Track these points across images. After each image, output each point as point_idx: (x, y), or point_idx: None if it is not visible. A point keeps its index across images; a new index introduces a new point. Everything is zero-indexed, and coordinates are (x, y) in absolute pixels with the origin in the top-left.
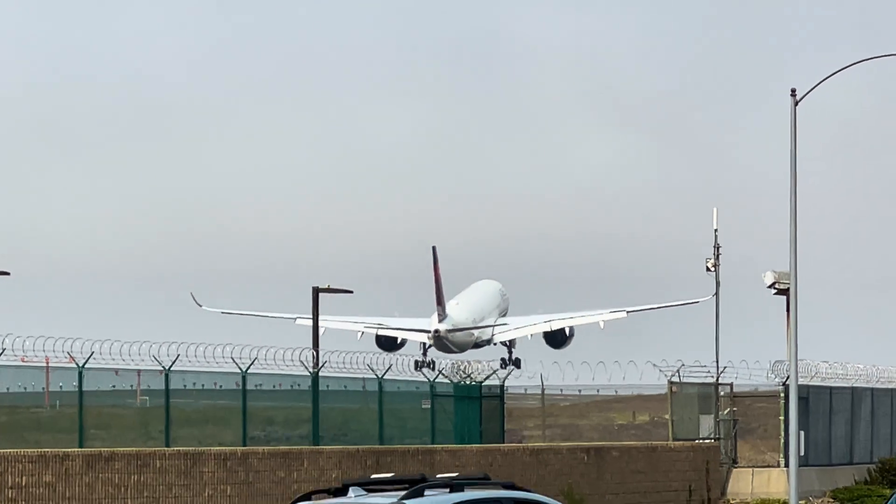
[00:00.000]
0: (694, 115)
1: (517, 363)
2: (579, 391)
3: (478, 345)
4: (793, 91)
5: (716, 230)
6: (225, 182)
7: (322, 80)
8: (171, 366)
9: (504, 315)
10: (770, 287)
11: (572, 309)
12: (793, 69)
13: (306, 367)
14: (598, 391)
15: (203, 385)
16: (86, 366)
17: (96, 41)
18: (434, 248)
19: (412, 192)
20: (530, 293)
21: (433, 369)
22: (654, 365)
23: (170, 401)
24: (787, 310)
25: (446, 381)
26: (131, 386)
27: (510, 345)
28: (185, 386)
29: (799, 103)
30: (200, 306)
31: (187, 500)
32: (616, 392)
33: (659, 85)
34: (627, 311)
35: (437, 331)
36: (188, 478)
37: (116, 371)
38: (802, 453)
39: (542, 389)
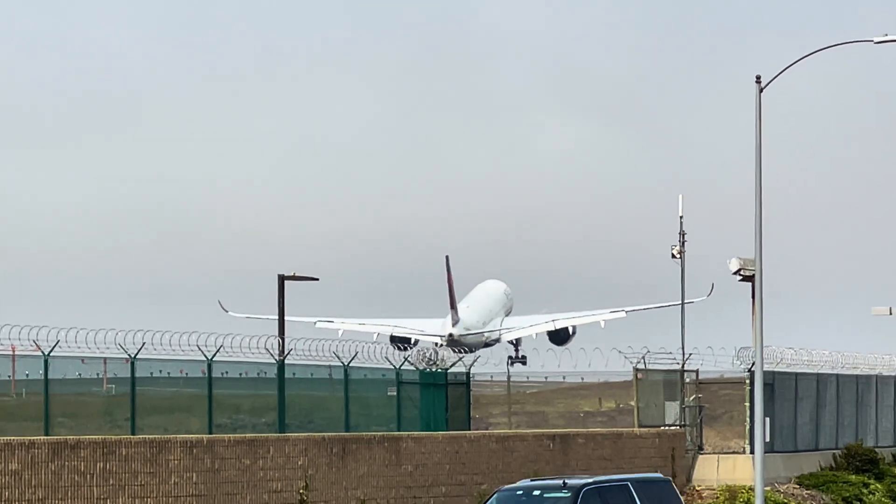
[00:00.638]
0: (659, 102)
1: (523, 360)
2: (545, 378)
3: (487, 344)
4: (758, 78)
5: (681, 217)
6: (190, 172)
7: (286, 69)
8: (136, 354)
9: (509, 314)
10: (735, 274)
11: (564, 306)
12: (758, 56)
13: (272, 355)
14: (563, 378)
15: (169, 373)
16: (52, 354)
17: (59, 31)
18: (447, 258)
19: (375, 179)
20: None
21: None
22: (620, 352)
23: (136, 389)
24: (753, 296)
25: (412, 368)
26: (97, 374)
27: (517, 343)
28: (151, 374)
29: (764, 90)
30: (227, 311)
31: (153, 487)
32: (582, 379)
33: (623, 71)
34: (626, 311)
35: (451, 334)
36: (154, 465)
37: (82, 359)
38: (768, 440)
39: (508, 377)
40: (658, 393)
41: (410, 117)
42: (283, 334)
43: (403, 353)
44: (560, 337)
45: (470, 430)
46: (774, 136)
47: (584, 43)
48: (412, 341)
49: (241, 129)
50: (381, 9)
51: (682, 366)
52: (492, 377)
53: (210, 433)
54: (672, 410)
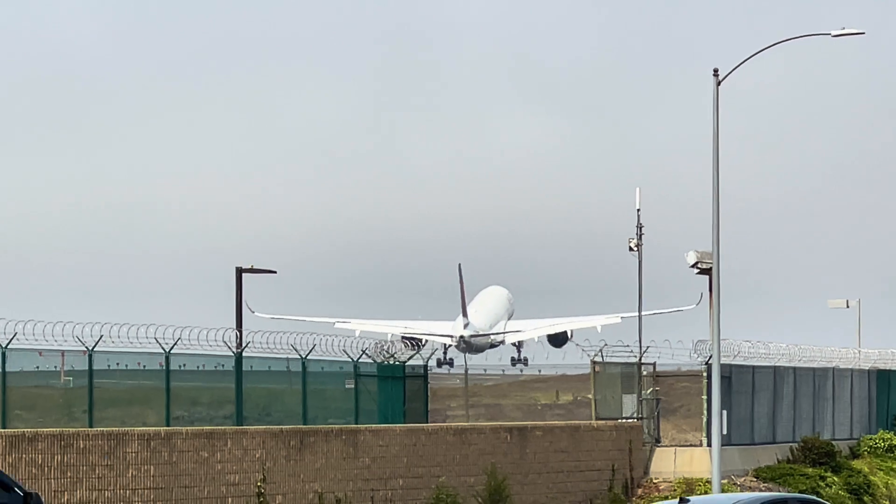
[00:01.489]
0: (616, 95)
1: (525, 361)
2: (503, 371)
3: (493, 345)
4: (715, 71)
5: (638, 210)
6: (149, 164)
7: (246, 60)
8: (94, 346)
9: (511, 317)
10: (693, 267)
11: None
12: (716, 49)
13: (230, 348)
14: (521, 371)
15: (127, 365)
16: (9, 346)
17: (8, 17)
18: (459, 266)
19: (336, 174)
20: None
21: (451, 366)
22: (577, 345)
23: (93, 381)
24: (710, 289)
25: (370, 361)
26: (55, 367)
27: (519, 345)
28: (108, 366)
29: (721, 83)
30: (253, 312)
31: (111, 480)
32: (539, 372)
33: (581, 64)
34: (621, 317)
35: (462, 336)
36: (112, 458)
37: (40, 352)
38: (725, 432)
39: (466, 369)
40: (615, 386)
41: (371, 112)
42: (241, 327)
43: (361, 345)
44: (559, 340)
45: (427, 422)
46: (732, 129)
47: (542, 36)
48: (422, 342)
49: (202, 123)
50: (342, 4)
51: (640, 359)
52: (449, 370)
53: (168, 426)
54: (629, 403)
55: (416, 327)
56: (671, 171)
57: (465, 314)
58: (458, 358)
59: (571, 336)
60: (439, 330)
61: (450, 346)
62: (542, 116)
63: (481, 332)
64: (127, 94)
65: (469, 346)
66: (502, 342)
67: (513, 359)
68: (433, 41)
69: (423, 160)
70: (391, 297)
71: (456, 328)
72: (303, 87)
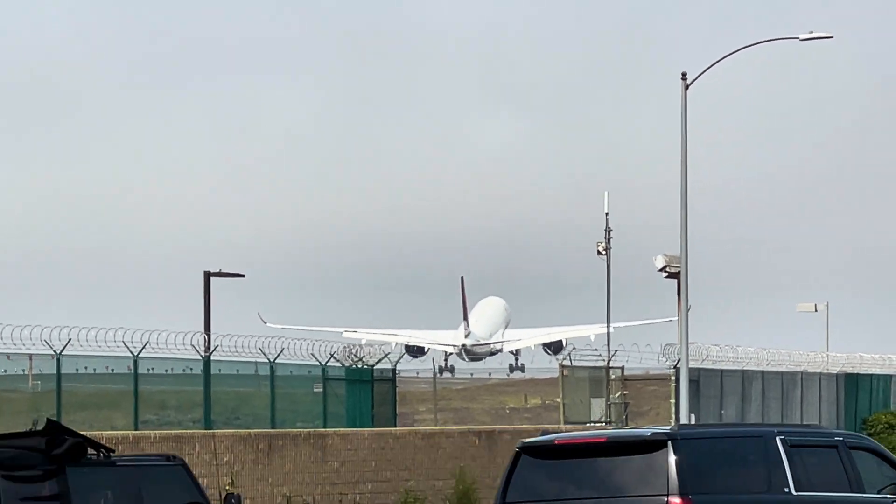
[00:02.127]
0: (586, 98)
1: (522, 368)
2: (471, 375)
3: (492, 353)
4: (683, 74)
5: (607, 214)
6: (118, 166)
7: (218, 63)
8: (62, 350)
9: (507, 326)
10: (661, 271)
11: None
12: (685, 52)
13: (198, 351)
14: (489, 375)
15: (95, 369)
16: None
17: None
18: (462, 279)
19: (306, 176)
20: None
21: (452, 373)
22: (546, 351)
23: (61, 385)
24: (678, 293)
25: (338, 364)
26: (23, 370)
27: (517, 353)
28: (77, 370)
29: (690, 87)
30: (265, 323)
31: None
32: (508, 375)
33: (551, 67)
34: (614, 327)
35: (464, 345)
36: None
37: (8, 355)
38: None
39: (434, 373)
40: (584, 389)
41: (342, 113)
42: (209, 331)
43: (330, 349)
44: (553, 348)
45: (396, 426)
46: (701, 133)
47: (512, 39)
48: (425, 350)
49: (172, 125)
50: (313, 5)
51: (608, 362)
52: (418, 373)
53: (136, 429)
54: (598, 407)
55: (420, 336)
56: (640, 175)
57: (466, 324)
58: (459, 365)
59: (566, 344)
60: (442, 339)
61: (451, 353)
62: (511, 119)
63: (482, 341)
64: (98, 96)
65: (471, 353)
66: (500, 350)
67: (510, 365)
68: (404, 43)
69: (394, 162)
70: (362, 299)
71: (458, 337)
72: (274, 89)
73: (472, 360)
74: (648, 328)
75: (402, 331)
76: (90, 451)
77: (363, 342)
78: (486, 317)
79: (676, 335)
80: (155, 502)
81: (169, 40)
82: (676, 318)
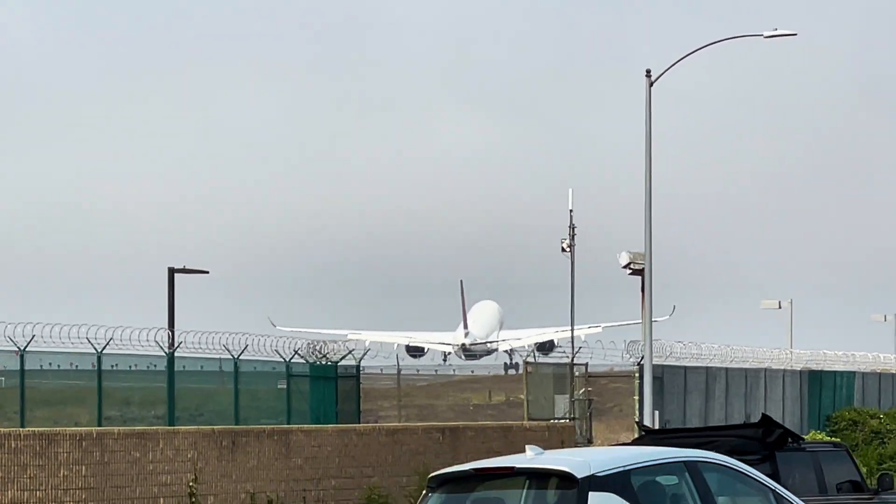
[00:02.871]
0: (551, 95)
1: (516, 367)
2: (435, 371)
3: (489, 352)
4: (648, 71)
5: (571, 210)
6: (81, 163)
7: (182, 60)
8: (26, 346)
9: (501, 327)
10: (625, 267)
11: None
12: (650, 50)
13: (162, 348)
14: (454, 371)
15: (59, 366)
16: None
17: None
18: (461, 282)
19: (271, 175)
20: (391, 270)
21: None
22: (506, 349)
23: (25, 381)
24: (642, 290)
25: (302, 361)
26: None
27: (511, 352)
28: (41, 366)
29: (654, 84)
30: (275, 326)
31: (42, 480)
32: (472, 372)
33: (516, 64)
34: (602, 327)
35: (463, 344)
36: (43, 458)
37: None
38: None
39: (398, 370)
40: (548, 386)
41: (308, 112)
42: (173, 327)
43: (294, 345)
44: (545, 347)
45: (360, 423)
46: (666, 130)
47: (477, 37)
48: (425, 350)
49: (136, 123)
50: (279, 4)
51: (572, 359)
52: (382, 370)
53: (99, 426)
54: (562, 404)
55: (420, 337)
56: (605, 172)
57: (465, 325)
58: (391, 358)
59: (557, 344)
60: (440, 339)
61: (449, 353)
62: (476, 116)
63: (479, 341)
64: (61, 93)
65: (468, 352)
66: (496, 349)
67: (505, 364)
68: (370, 41)
69: (359, 160)
70: (326, 297)
71: (457, 337)
72: (239, 86)
73: (469, 358)
74: (636, 328)
75: (404, 332)
76: (789, 439)
77: (366, 343)
78: (482, 318)
79: (640, 331)
80: (828, 479)
81: (134, 36)
82: (662, 319)
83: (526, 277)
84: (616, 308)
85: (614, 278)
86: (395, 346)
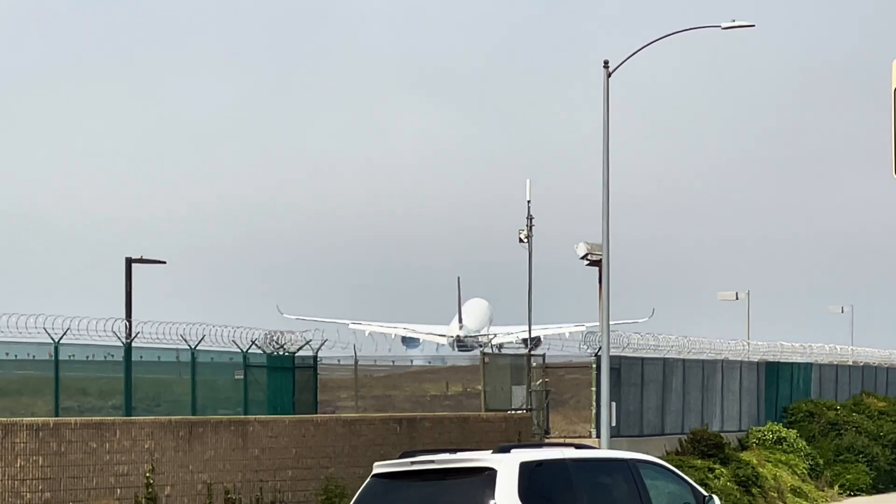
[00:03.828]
0: (509, 85)
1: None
2: (392, 362)
3: (480, 345)
4: (605, 63)
5: (528, 201)
6: (36, 151)
7: (135, 47)
8: None
9: (491, 323)
10: (582, 258)
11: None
12: (608, 40)
13: (119, 338)
14: (411, 362)
15: (16, 356)
16: None
17: None
18: (458, 279)
19: (227, 164)
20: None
21: (443, 363)
22: (433, 333)
23: None
24: (600, 281)
25: (260, 351)
26: None
27: (500, 347)
28: None
29: (612, 75)
30: (282, 314)
31: None
32: (429, 363)
33: (474, 55)
34: (586, 326)
35: (458, 336)
36: (0, 449)
37: None
38: (614, 424)
39: (356, 360)
40: (505, 377)
41: (265, 101)
42: (131, 317)
43: (251, 335)
44: (533, 343)
45: (317, 413)
46: (625, 121)
47: (436, 28)
48: (419, 341)
49: (93, 109)
50: None
51: (529, 350)
52: (339, 360)
53: (56, 416)
54: (519, 395)
55: (416, 329)
56: (564, 164)
57: (460, 319)
58: (349, 348)
59: (543, 340)
60: (438, 331)
61: (443, 345)
62: (435, 107)
63: (472, 334)
64: (14, 80)
65: (462, 344)
66: (489, 342)
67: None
68: (325, 31)
69: (314, 151)
70: (283, 288)
71: (452, 330)
72: (194, 74)
73: (461, 349)
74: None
75: (402, 324)
76: None
77: (367, 333)
78: (474, 314)
79: (598, 322)
80: None
81: (85, 23)
82: (642, 320)
83: (479, 268)
84: (571, 299)
85: (569, 269)
86: (393, 336)
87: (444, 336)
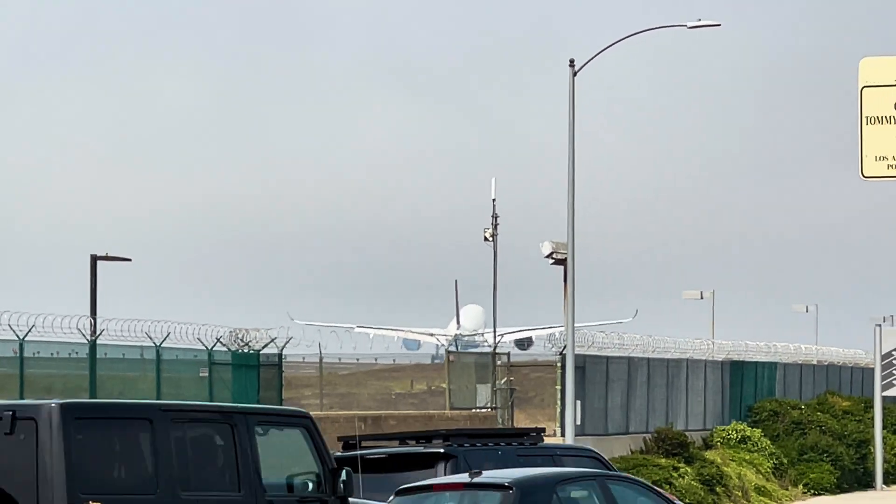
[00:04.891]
0: (476, 84)
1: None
2: (357, 360)
3: (476, 345)
4: (571, 61)
5: (494, 200)
6: (2, 147)
7: (105, 43)
8: None
9: (485, 326)
10: (548, 257)
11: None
12: (575, 40)
13: (84, 335)
14: (376, 360)
15: None
16: None
17: None
18: (456, 282)
19: (197, 159)
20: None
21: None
22: (432, 334)
23: None
24: (565, 280)
25: (224, 349)
26: None
27: (494, 347)
28: None
29: (578, 74)
30: (293, 320)
31: None
32: (394, 361)
33: (442, 53)
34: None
35: (456, 335)
36: None
37: None
38: (579, 423)
39: (321, 358)
40: (470, 375)
41: (235, 95)
42: (96, 315)
43: (216, 333)
44: (524, 344)
45: None
46: (592, 120)
47: (406, 24)
48: (419, 343)
49: (56, 107)
50: None
51: (494, 348)
52: (304, 358)
53: None
54: (483, 393)
55: (417, 331)
56: (531, 162)
57: (458, 321)
58: (314, 346)
59: (534, 342)
60: (437, 332)
61: (442, 345)
62: (403, 105)
63: (469, 333)
64: None
65: (460, 344)
66: (485, 342)
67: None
68: (296, 25)
69: (283, 146)
70: (251, 285)
71: (450, 330)
72: (164, 70)
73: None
74: (539, 316)
75: (404, 327)
76: None
77: (371, 336)
78: (470, 316)
79: (563, 321)
80: None
81: (55, 18)
82: (626, 321)
83: (444, 266)
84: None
85: (535, 267)
86: (396, 337)
87: (445, 335)
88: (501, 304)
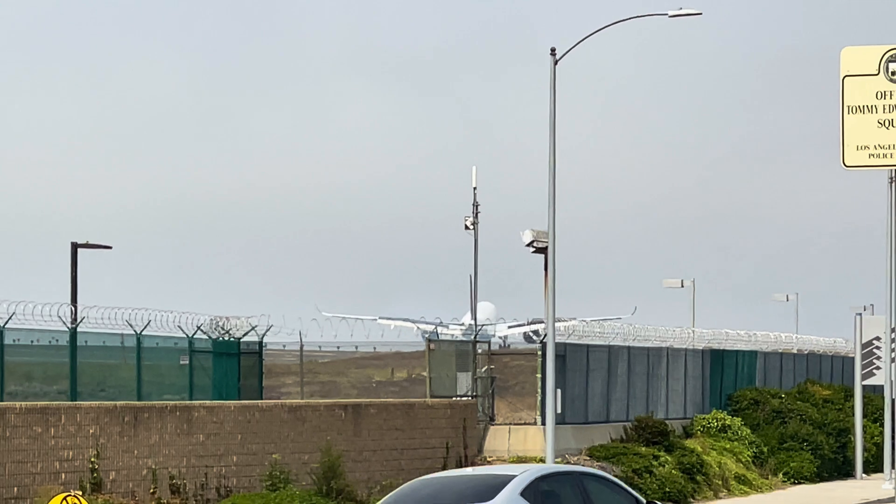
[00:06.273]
0: (456, 71)
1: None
2: (337, 348)
3: (489, 337)
4: (552, 50)
5: (475, 188)
6: None
7: (81, 28)
8: None
9: (497, 321)
10: (528, 245)
11: None
12: (557, 26)
13: (64, 323)
14: (356, 348)
15: None
16: None
17: None
18: (471, 276)
19: (173, 147)
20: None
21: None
22: (412, 322)
23: None
24: (545, 268)
25: (205, 337)
26: None
27: (505, 338)
28: None
29: (559, 62)
30: (320, 311)
31: None
32: (374, 349)
33: (421, 39)
34: (579, 320)
35: (472, 324)
36: None
37: None
38: (559, 411)
39: (301, 346)
40: (450, 364)
41: (211, 84)
42: (76, 302)
43: (197, 321)
44: (531, 338)
45: (262, 399)
46: (573, 108)
47: (384, 12)
48: (437, 334)
49: (34, 91)
50: None
51: (475, 337)
52: (284, 346)
53: (1, 401)
54: (464, 381)
55: (433, 322)
56: (512, 151)
57: (474, 314)
58: (294, 334)
59: (541, 332)
60: (452, 324)
61: (458, 337)
62: (381, 92)
63: (482, 326)
64: None
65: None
66: (495, 334)
67: (500, 346)
68: (277, 15)
69: (262, 134)
70: (231, 275)
71: (465, 321)
72: (141, 56)
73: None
74: (518, 303)
75: (421, 319)
76: None
77: (391, 327)
78: (485, 309)
79: (544, 309)
80: None
81: (36, 8)
82: (626, 316)
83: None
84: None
85: (516, 256)
86: (415, 329)
87: (461, 325)
88: (493, 298)
